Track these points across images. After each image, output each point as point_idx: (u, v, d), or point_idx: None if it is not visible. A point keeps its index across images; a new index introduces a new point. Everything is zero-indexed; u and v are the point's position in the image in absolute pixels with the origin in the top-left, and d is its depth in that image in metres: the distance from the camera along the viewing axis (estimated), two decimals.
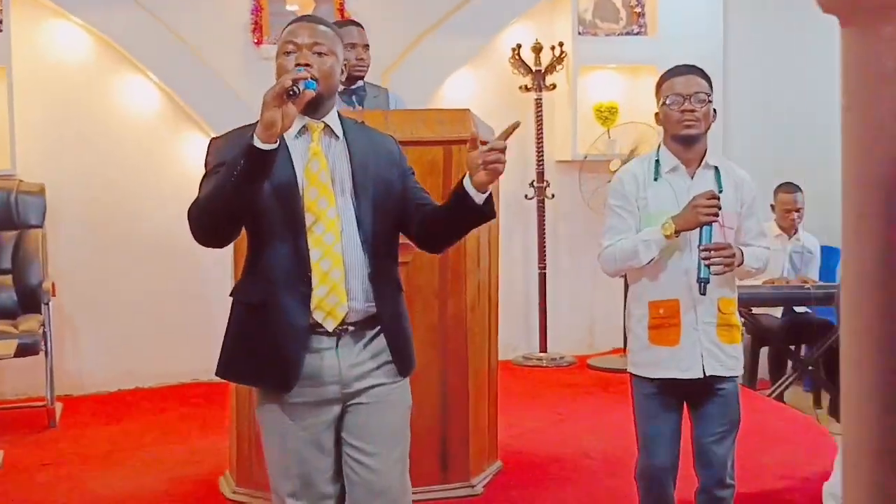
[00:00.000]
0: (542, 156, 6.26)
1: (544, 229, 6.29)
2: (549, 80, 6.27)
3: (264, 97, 2.26)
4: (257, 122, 2.27)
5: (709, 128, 3.06)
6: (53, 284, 5.18)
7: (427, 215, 2.52)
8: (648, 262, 2.97)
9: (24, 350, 4.72)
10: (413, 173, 2.62)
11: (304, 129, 2.46)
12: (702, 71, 3.08)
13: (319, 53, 2.43)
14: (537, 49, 6.23)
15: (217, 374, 2.56)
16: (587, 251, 6.54)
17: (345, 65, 2.56)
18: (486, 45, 6.33)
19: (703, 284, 2.91)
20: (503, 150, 2.34)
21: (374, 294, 2.45)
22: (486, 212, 2.43)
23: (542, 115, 6.26)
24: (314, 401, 2.45)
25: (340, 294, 2.40)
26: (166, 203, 5.81)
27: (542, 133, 6.25)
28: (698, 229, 2.92)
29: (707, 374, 3.00)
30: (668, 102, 3.01)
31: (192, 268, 5.78)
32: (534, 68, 6.24)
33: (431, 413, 3.57)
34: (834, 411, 5.64)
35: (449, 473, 3.66)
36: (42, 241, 5.36)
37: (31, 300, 5.17)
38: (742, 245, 3.07)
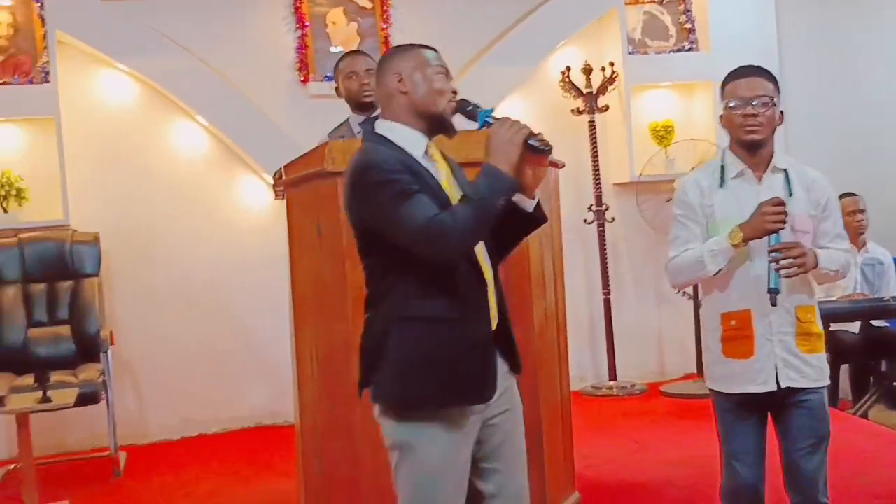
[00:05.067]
0: (599, 179, 6.12)
1: (606, 254, 6.14)
2: (602, 101, 6.14)
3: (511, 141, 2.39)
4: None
5: (774, 131, 2.93)
6: (111, 333, 5.15)
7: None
8: (716, 273, 2.86)
9: (85, 399, 4.65)
10: None
11: (427, 148, 2.47)
12: (766, 72, 2.95)
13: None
14: (587, 71, 6.11)
15: (393, 404, 2.39)
16: (651, 274, 6.40)
17: None
18: (535, 70, 6.24)
19: (773, 295, 2.78)
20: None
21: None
22: (539, 217, 2.52)
23: (596, 138, 6.13)
24: (475, 418, 2.42)
25: (493, 304, 2.43)
26: (220, 245, 5.78)
27: (597, 156, 6.11)
28: (767, 237, 2.80)
29: (782, 387, 2.86)
30: (731, 106, 2.90)
31: (248, 311, 5.74)
32: (585, 90, 6.12)
33: None
34: None
35: None
36: (98, 290, 5.34)
37: (89, 349, 5.13)
38: (820, 248, 2.92)
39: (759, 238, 2.80)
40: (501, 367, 2.46)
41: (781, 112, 2.95)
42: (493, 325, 2.43)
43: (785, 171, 2.94)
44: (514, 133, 2.37)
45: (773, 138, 2.94)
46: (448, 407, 2.36)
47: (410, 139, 2.43)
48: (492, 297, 2.43)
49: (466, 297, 2.38)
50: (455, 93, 2.48)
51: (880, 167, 6.53)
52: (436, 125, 2.46)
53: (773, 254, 2.78)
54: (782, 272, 2.78)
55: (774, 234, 2.78)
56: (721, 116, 2.97)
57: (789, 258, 2.77)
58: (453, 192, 2.44)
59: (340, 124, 4.30)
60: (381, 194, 2.31)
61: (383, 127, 2.47)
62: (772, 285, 2.77)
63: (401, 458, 2.40)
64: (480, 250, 2.43)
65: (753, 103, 2.86)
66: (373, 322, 2.44)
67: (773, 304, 2.79)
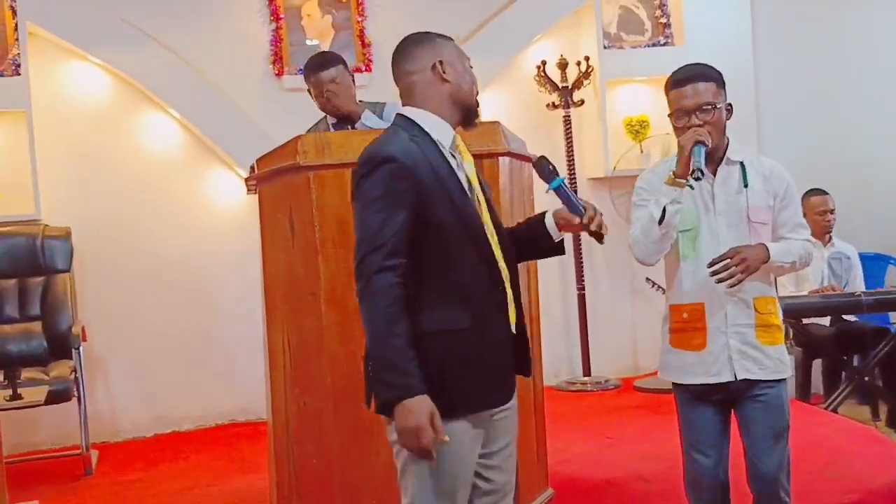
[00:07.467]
0: (574, 174, 6.12)
1: (580, 249, 6.13)
2: (577, 95, 6.14)
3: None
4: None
5: (724, 129, 2.92)
6: (84, 329, 5.09)
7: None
8: (661, 220, 2.81)
9: (56, 397, 4.62)
10: None
11: (454, 139, 2.44)
12: (705, 72, 2.92)
13: None
14: (563, 65, 6.11)
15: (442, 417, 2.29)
16: (625, 269, 6.40)
17: None
18: (511, 64, 6.23)
19: (696, 171, 2.75)
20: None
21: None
22: (560, 249, 2.57)
23: (571, 133, 6.13)
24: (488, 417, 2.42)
25: (512, 306, 2.42)
26: (194, 239, 5.73)
27: (572, 150, 6.11)
28: (691, 158, 2.77)
29: (739, 378, 2.88)
30: (674, 117, 2.91)
31: (223, 308, 5.70)
32: (560, 85, 6.12)
33: None
34: (893, 422, 5.41)
35: None
36: (70, 286, 5.28)
37: (61, 346, 5.07)
38: (779, 239, 2.94)
39: (687, 160, 2.77)
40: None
41: (730, 105, 2.94)
42: (513, 327, 2.41)
43: (741, 163, 2.94)
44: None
45: (724, 135, 2.94)
46: (474, 412, 2.35)
47: (441, 129, 2.38)
48: (510, 298, 2.40)
49: (484, 302, 2.34)
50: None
51: (848, 164, 6.56)
52: (466, 117, 2.43)
53: (714, 266, 2.79)
54: (728, 282, 2.79)
55: (696, 147, 2.77)
56: (669, 115, 2.95)
57: (733, 266, 2.78)
58: (477, 185, 2.42)
59: (318, 121, 4.26)
60: (364, 190, 2.28)
61: (415, 113, 2.40)
62: (696, 162, 2.76)
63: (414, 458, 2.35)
64: (499, 251, 2.40)
65: (697, 114, 2.86)
66: None
67: (699, 178, 2.76)
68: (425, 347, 2.28)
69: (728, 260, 2.80)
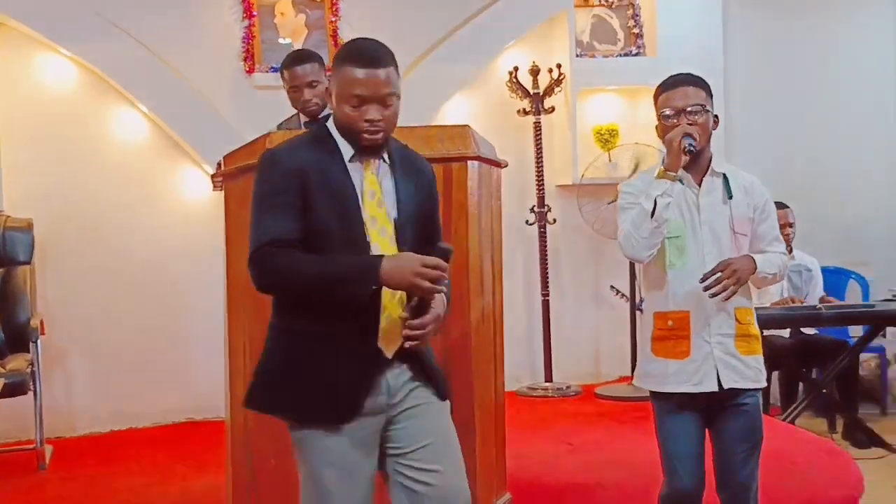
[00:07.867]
0: (542, 180, 6.13)
1: (546, 255, 6.15)
2: (548, 103, 6.17)
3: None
4: None
5: (710, 136, 2.97)
6: (42, 322, 5.02)
7: None
8: (654, 210, 2.84)
9: (12, 390, 4.56)
10: (438, 202, 2.59)
11: (360, 157, 2.42)
12: (697, 79, 2.99)
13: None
14: (535, 72, 6.13)
15: (260, 407, 2.45)
16: (590, 276, 6.44)
17: None
18: (483, 69, 6.24)
19: (688, 146, 2.83)
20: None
21: None
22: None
23: (541, 139, 6.14)
24: (371, 433, 2.39)
25: (388, 319, 2.35)
26: (158, 236, 5.69)
27: (541, 157, 6.13)
28: (683, 148, 2.84)
29: (725, 388, 2.89)
30: (665, 116, 2.94)
31: (185, 305, 5.66)
32: (532, 91, 6.13)
33: None
34: (849, 435, 5.47)
35: None
36: (30, 278, 5.21)
37: (18, 338, 5.00)
38: (758, 252, 2.97)
39: (679, 156, 2.84)
40: (404, 374, 2.41)
41: (716, 116, 3.01)
42: (396, 345, 2.36)
43: (724, 174, 2.99)
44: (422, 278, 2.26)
45: (709, 144, 2.98)
46: (306, 423, 2.36)
47: (343, 143, 2.42)
48: (393, 311, 2.35)
49: (344, 311, 2.30)
50: (369, 121, 2.34)
51: (814, 178, 6.66)
52: (354, 143, 2.40)
53: (707, 280, 2.82)
54: (722, 295, 2.82)
55: (686, 140, 2.83)
56: (656, 127, 2.99)
57: (725, 279, 2.81)
58: (373, 205, 2.38)
59: (290, 117, 4.24)
60: (257, 189, 2.36)
61: (331, 123, 2.46)
62: (688, 144, 2.83)
63: (296, 449, 2.43)
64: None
65: (686, 114, 2.90)
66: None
67: (692, 151, 2.83)
68: (274, 342, 2.40)
69: (720, 273, 2.83)
